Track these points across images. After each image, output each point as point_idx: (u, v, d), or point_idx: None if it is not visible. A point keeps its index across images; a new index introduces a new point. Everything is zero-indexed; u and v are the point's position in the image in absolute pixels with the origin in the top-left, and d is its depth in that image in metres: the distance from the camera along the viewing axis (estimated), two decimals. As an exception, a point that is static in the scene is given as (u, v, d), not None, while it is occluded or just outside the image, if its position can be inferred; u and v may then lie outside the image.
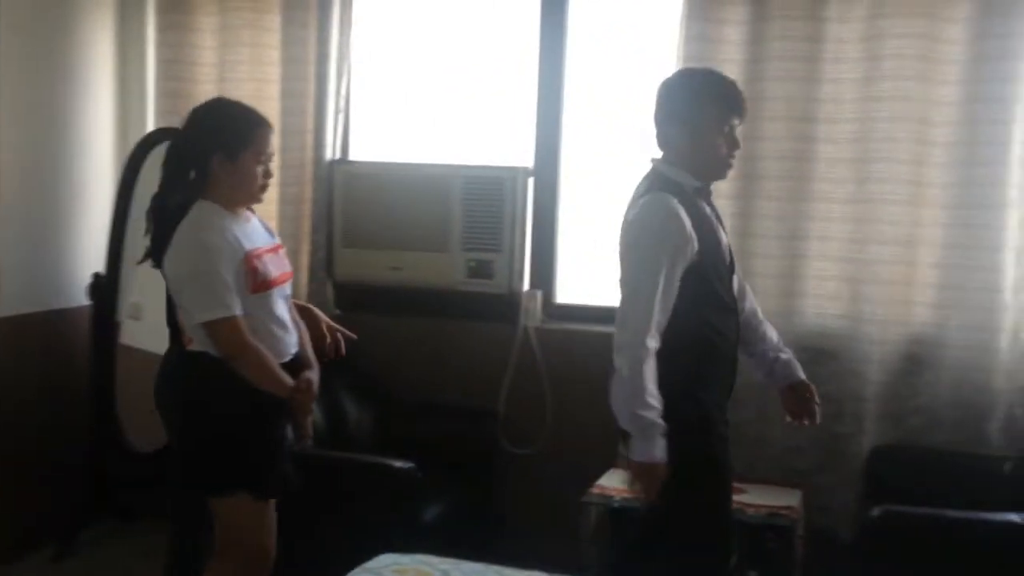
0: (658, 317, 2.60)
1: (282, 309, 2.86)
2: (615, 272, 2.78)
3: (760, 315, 2.99)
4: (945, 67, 3.45)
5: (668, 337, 2.63)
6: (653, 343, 2.60)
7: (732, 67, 3.59)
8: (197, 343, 2.76)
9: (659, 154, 2.78)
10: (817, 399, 2.91)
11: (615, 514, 3.40)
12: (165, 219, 2.78)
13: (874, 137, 3.51)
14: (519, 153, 3.98)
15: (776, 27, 3.57)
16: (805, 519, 3.38)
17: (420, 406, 3.92)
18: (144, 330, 3.93)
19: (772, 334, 2.97)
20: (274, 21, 4.05)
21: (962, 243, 3.43)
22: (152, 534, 3.69)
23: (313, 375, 2.88)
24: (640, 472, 2.64)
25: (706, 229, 2.70)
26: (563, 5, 3.93)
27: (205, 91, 4.14)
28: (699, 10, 3.62)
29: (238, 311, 2.70)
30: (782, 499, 3.37)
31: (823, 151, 3.57)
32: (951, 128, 3.45)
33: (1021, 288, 3.41)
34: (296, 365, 2.86)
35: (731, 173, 3.55)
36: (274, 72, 4.06)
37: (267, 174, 2.82)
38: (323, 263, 4.01)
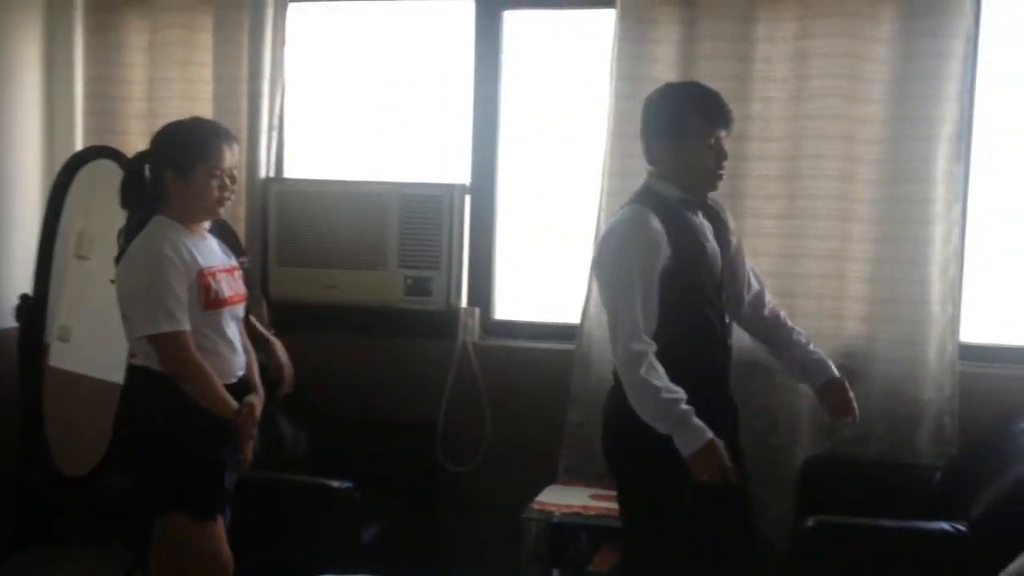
0: (643, 322, 2.69)
1: (233, 330, 2.85)
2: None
3: (784, 318, 3.04)
4: (871, 86, 3.53)
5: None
6: (643, 346, 2.68)
7: (664, 86, 3.66)
8: (141, 357, 2.74)
9: (651, 168, 2.88)
10: (851, 393, 2.95)
11: (556, 529, 3.41)
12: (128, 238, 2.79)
13: (803, 154, 3.58)
14: (456, 170, 3.98)
15: (706, 47, 3.63)
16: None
17: (358, 424, 3.90)
18: (73, 352, 3.87)
19: (800, 337, 3.01)
20: (206, 39, 4.02)
21: (890, 257, 3.51)
22: (84, 561, 3.61)
23: (256, 400, 2.87)
24: (698, 461, 2.65)
25: (686, 238, 2.76)
26: (498, 22, 3.95)
27: (135, 109, 4.11)
28: (631, 30, 3.66)
29: (186, 326, 2.68)
30: (719, 511, 3.41)
31: (754, 168, 3.63)
32: (877, 145, 3.53)
33: (947, 300, 3.49)
34: (241, 389, 2.84)
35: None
36: (206, 90, 4.02)
37: (223, 187, 2.81)
38: (258, 282, 3.98)
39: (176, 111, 3.91)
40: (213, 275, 2.79)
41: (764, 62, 3.61)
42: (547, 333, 3.93)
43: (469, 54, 3.96)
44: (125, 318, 2.77)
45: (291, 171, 4.15)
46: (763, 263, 3.60)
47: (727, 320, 2.92)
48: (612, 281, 2.78)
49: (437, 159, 4.04)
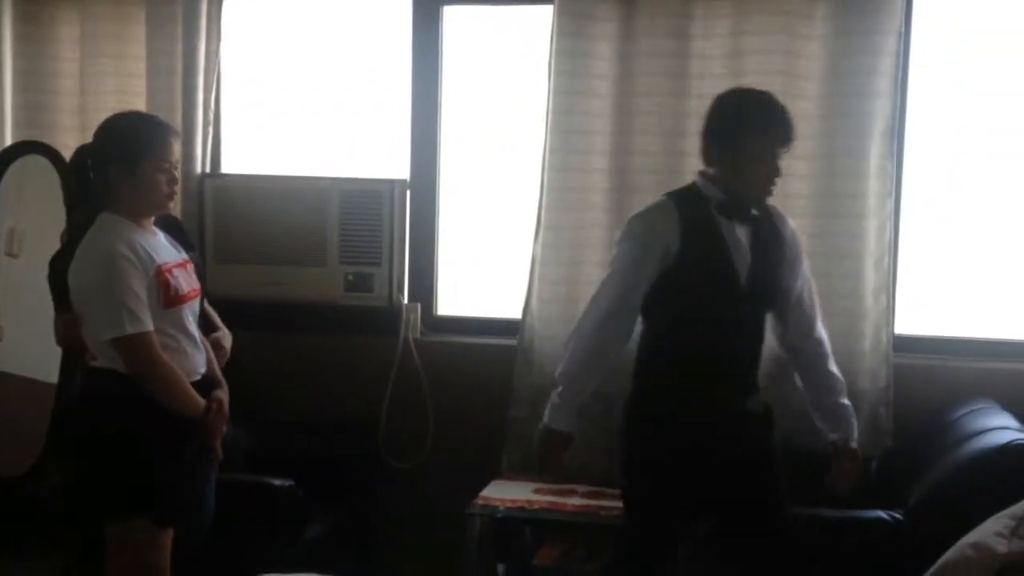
0: (609, 304, 2.83)
1: (193, 326, 2.79)
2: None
3: (826, 356, 2.97)
4: (805, 83, 3.57)
5: (644, 336, 2.87)
6: (578, 340, 2.87)
7: (603, 82, 3.68)
8: (103, 360, 2.68)
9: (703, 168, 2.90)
10: (859, 470, 2.92)
11: (500, 524, 3.42)
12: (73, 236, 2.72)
13: (740, 150, 3.62)
14: (396, 165, 3.96)
15: (644, 43, 3.65)
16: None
17: (299, 422, 3.87)
18: (6, 352, 3.78)
19: (836, 385, 2.95)
20: (138, 31, 3.95)
21: (825, 252, 3.55)
22: (15, 567, 3.53)
23: (224, 395, 2.82)
24: (540, 437, 2.91)
25: (705, 238, 2.78)
26: (436, 17, 3.93)
27: (66, 103, 4.03)
28: (569, 26, 3.66)
29: (150, 326, 2.63)
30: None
31: (693, 164, 3.63)
32: (812, 141, 3.56)
33: (881, 292, 3.56)
34: (205, 385, 2.80)
35: (604, 185, 3.71)
36: (139, 84, 3.95)
37: (172, 182, 2.75)
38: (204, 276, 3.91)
39: (108, 105, 3.85)
40: (170, 271, 2.72)
41: (700, 59, 3.64)
42: (489, 329, 3.93)
43: (408, 49, 3.94)
44: (83, 321, 2.69)
45: (228, 166, 4.09)
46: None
47: (745, 328, 2.86)
48: (614, 260, 2.90)
49: (377, 155, 4.02)
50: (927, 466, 3.11)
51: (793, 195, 3.58)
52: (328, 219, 3.85)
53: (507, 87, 3.95)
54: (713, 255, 2.79)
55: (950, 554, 2.26)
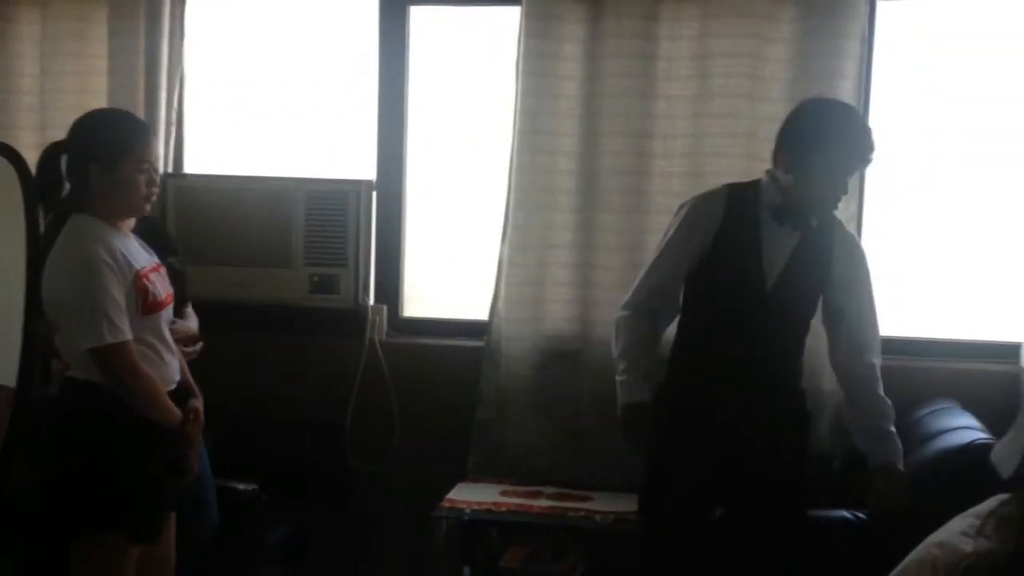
0: (653, 281, 2.93)
1: (167, 332, 2.72)
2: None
3: (874, 382, 2.93)
4: (770, 85, 3.59)
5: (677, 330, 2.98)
6: (625, 311, 2.97)
7: (570, 83, 3.68)
8: (78, 370, 2.59)
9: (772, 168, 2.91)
10: (896, 489, 2.85)
11: (467, 527, 3.41)
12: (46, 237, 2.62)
13: (706, 152, 3.63)
14: (362, 166, 3.93)
15: (611, 44, 3.65)
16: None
17: (263, 425, 3.82)
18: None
19: (885, 409, 2.92)
20: (100, 30, 3.89)
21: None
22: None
23: (199, 404, 2.76)
24: (622, 416, 2.95)
25: (738, 239, 2.80)
26: (403, 16, 3.91)
27: (26, 103, 3.97)
28: (536, 27, 3.66)
29: (130, 335, 2.55)
30: (627, 505, 3.42)
31: (659, 165, 3.68)
32: (777, 143, 3.60)
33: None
34: (180, 393, 2.74)
35: (571, 187, 3.71)
36: (101, 83, 3.90)
37: (151, 183, 2.67)
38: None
39: (70, 104, 3.82)
40: (147, 277, 2.64)
41: (667, 60, 3.65)
42: (456, 330, 3.92)
43: (374, 49, 3.92)
44: (58, 329, 2.59)
45: (191, 167, 4.05)
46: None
47: (769, 333, 2.84)
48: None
49: (343, 155, 3.99)
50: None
51: (758, 196, 3.61)
52: (293, 220, 3.83)
53: (474, 88, 3.94)
54: (741, 255, 2.81)
55: (916, 553, 2.28)
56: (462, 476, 3.67)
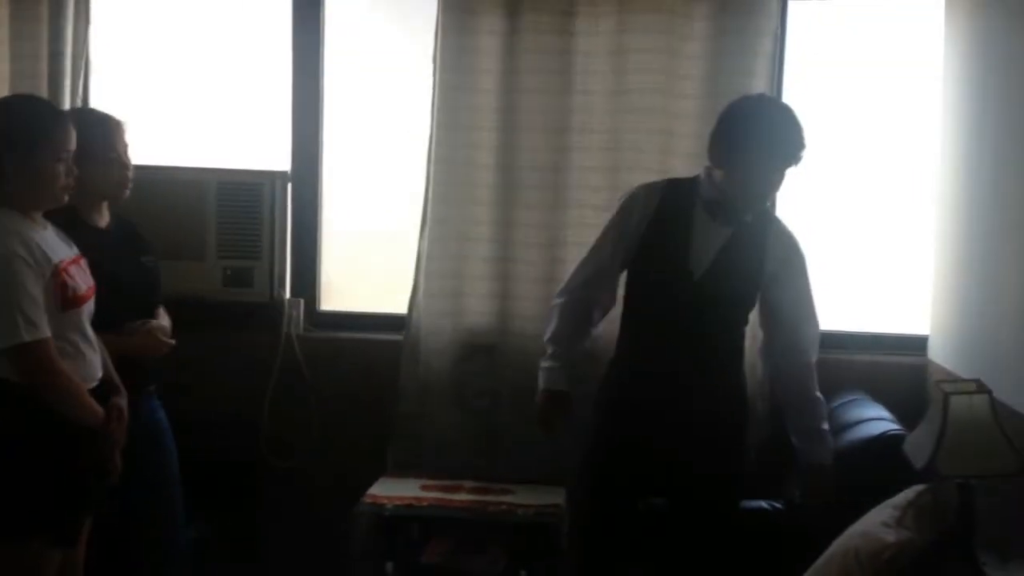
0: (589, 268, 2.97)
1: (89, 327, 2.62)
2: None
3: (807, 382, 2.94)
4: (685, 82, 3.64)
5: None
6: (558, 298, 3.02)
7: (489, 77, 3.68)
8: None
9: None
10: (827, 485, 2.88)
11: (388, 522, 3.39)
12: None
13: (623, 147, 3.67)
14: (276, 157, 3.87)
15: (528, 39, 3.66)
16: (570, 516, 3.48)
17: (175, 422, 3.70)
18: None
19: (818, 409, 2.94)
20: (1, 14, 3.74)
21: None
22: None
23: (123, 402, 2.67)
24: (540, 400, 3.00)
25: (667, 230, 2.84)
26: (318, 3, 3.85)
27: (-80, 89, 3.78)
28: (454, 20, 3.65)
29: (47, 332, 2.44)
30: (548, 498, 3.47)
31: (577, 160, 3.69)
32: (691, 140, 3.61)
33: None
34: (102, 390, 2.64)
35: (490, 181, 3.70)
36: (1, 68, 3.75)
37: (70, 172, 2.57)
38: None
39: (-32, 91, 3.65)
40: (66, 270, 2.54)
41: (584, 55, 3.67)
42: (374, 324, 3.89)
43: (288, 36, 3.85)
44: None
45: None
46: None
47: (697, 324, 2.83)
48: None
49: (257, 145, 3.91)
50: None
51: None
52: (205, 212, 3.75)
53: (392, 78, 3.90)
54: (670, 246, 2.84)
55: (838, 544, 2.34)
56: (382, 471, 3.64)
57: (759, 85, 3.58)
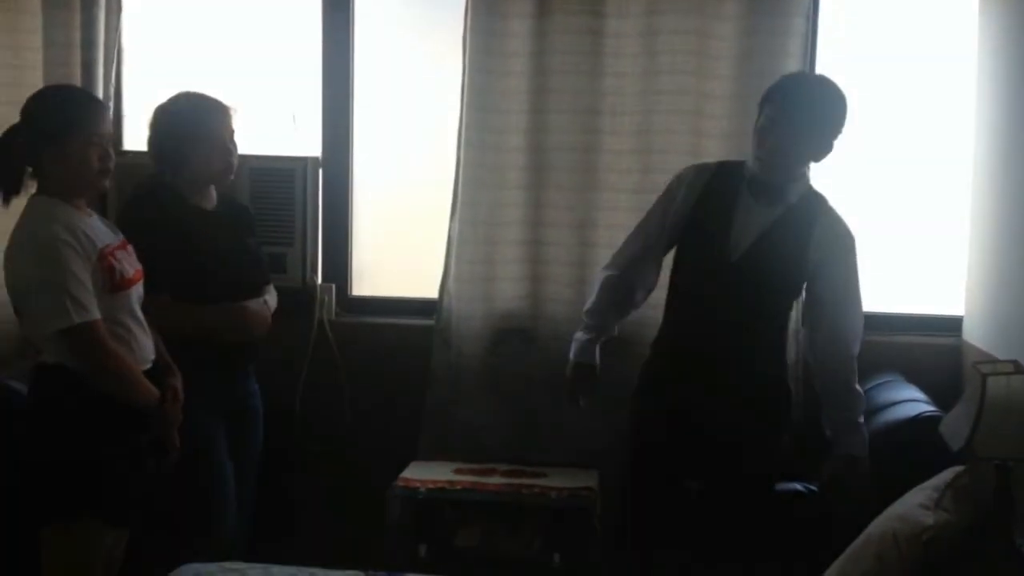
0: (636, 245, 2.98)
1: (139, 310, 2.66)
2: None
3: (848, 375, 2.88)
4: (717, 62, 3.61)
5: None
6: (602, 272, 3.04)
7: (518, 60, 3.66)
8: (48, 355, 2.53)
9: None
10: (860, 480, 2.83)
11: (422, 505, 3.40)
12: None
13: (655, 129, 3.65)
14: (308, 143, 3.88)
15: (558, 21, 3.64)
16: (603, 498, 3.49)
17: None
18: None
19: (856, 401, 2.88)
20: (34, 3, 3.77)
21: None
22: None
23: (178, 382, 2.70)
24: (569, 371, 3.03)
25: (711, 210, 2.84)
26: (348, -5, 3.87)
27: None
28: (485, 4, 3.64)
29: (97, 315, 2.48)
30: (581, 481, 3.47)
31: (608, 142, 3.68)
32: (725, 120, 3.61)
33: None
34: (156, 372, 2.68)
35: (520, 164, 3.70)
36: (34, 58, 3.78)
37: (105, 157, 2.59)
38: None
39: (1, 81, 3.68)
40: (113, 254, 2.57)
41: (615, 37, 3.65)
42: (406, 309, 3.90)
43: (318, 22, 3.86)
44: (24, 314, 2.54)
45: (131, 143, 3.94)
46: (617, 237, 3.63)
47: (733, 304, 2.80)
48: None
49: (289, 132, 3.92)
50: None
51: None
52: (238, 198, 3.73)
53: (422, 64, 3.90)
54: (711, 227, 2.82)
55: (875, 526, 2.33)
56: (415, 455, 3.66)
57: (792, 66, 3.53)
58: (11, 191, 2.59)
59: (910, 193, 3.74)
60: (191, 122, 2.94)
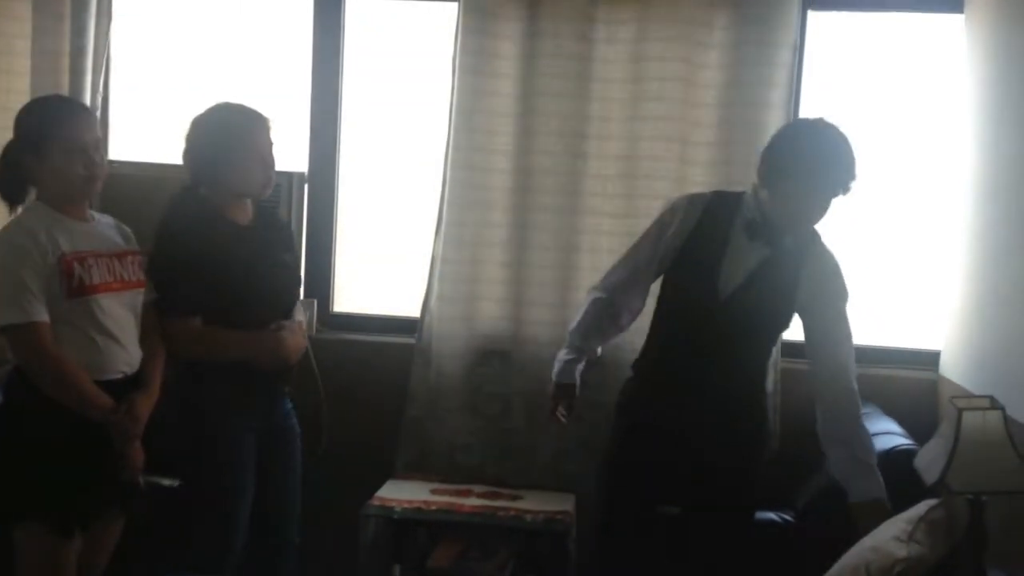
0: (626, 270, 2.95)
1: (115, 320, 2.63)
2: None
3: (852, 408, 2.81)
4: (703, 91, 3.64)
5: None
6: (591, 293, 3.02)
7: (507, 81, 3.69)
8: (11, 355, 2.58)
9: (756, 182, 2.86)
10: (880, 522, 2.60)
11: (397, 525, 3.39)
12: None
13: (640, 154, 3.67)
14: (294, 158, 3.87)
15: (547, 44, 3.67)
16: (579, 522, 3.48)
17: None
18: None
19: (865, 441, 2.80)
20: (23, 9, 3.79)
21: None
22: None
23: (140, 397, 2.66)
24: (552, 390, 3.04)
25: (702, 246, 2.79)
26: (338, 7, 3.87)
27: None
28: (474, 23, 3.66)
29: (39, 317, 2.50)
30: (558, 504, 3.47)
31: (594, 166, 3.70)
32: (709, 148, 3.64)
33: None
34: (126, 386, 2.66)
35: (507, 185, 3.71)
36: (23, 64, 3.79)
37: (89, 164, 2.61)
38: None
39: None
40: (82, 259, 2.59)
41: (603, 63, 3.67)
42: (387, 326, 3.91)
43: (308, 38, 3.87)
44: None
45: (117, 154, 3.93)
46: (601, 261, 3.67)
47: (720, 343, 2.80)
48: None
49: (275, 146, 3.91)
50: (815, 469, 3.21)
51: (689, 201, 3.65)
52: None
53: (410, 82, 3.91)
54: (702, 262, 2.80)
55: (848, 557, 2.34)
56: (391, 474, 3.65)
57: (777, 96, 3.58)
58: (15, 200, 2.67)
59: (890, 227, 3.77)
60: (230, 134, 2.85)
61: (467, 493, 3.53)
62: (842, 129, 2.76)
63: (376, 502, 3.41)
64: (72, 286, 2.57)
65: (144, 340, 2.75)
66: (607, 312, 3.02)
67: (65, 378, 2.56)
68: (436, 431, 3.74)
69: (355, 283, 3.99)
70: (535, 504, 3.45)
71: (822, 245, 2.90)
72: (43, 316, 2.52)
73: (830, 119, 2.78)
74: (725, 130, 3.63)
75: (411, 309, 3.79)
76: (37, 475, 2.55)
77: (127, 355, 2.68)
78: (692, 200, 2.93)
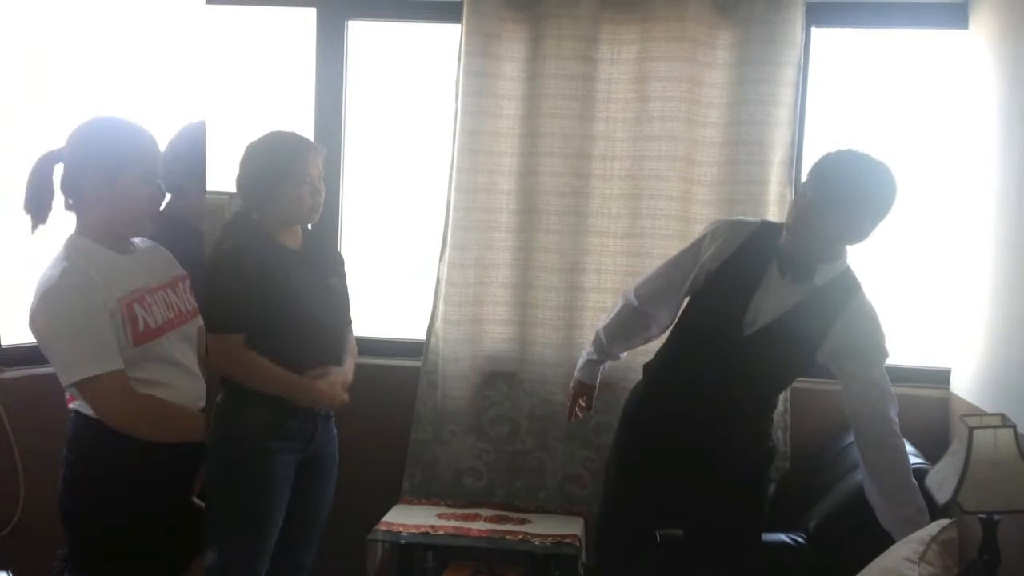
0: (661, 282, 2.93)
1: (182, 354, 2.51)
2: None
3: (898, 456, 2.72)
4: (708, 110, 3.63)
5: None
6: (621, 298, 3.04)
7: (511, 103, 3.69)
8: (78, 402, 2.41)
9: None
10: None
11: (403, 550, 3.36)
12: None
13: (645, 174, 3.66)
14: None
15: (551, 66, 3.66)
16: (587, 546, 3.45)
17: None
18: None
19: (913, 497, 2.67)
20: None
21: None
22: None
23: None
24: (572, 386, 3.16)
25: (736, 276, 2.75)
26: (341, 31, 3.88)
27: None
28: (477, 46, 3.66)
29: (115, 365, 2.33)
30: (566, 528, 3.44)
31: (598, 187, 3.69)
32: (715, 168, 3.63)
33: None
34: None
35: (511, 206, 3.70)
36: None
37: (154, 199, 2.50)
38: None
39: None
40: (141, 300, 2.43)
41: (607, 83, 3.67)
42: (393, 350, 3.88)
43: (312, 62, 3.88)
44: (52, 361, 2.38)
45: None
46: (606, 281, 3.67)
47: (739, 376, 2.75)
48: None
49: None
50: (825, 490, 3.16)
51: (695, 220, 3.64)
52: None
53: (414, 105, 3.92)
54: (732, 295, 2.75)
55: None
56: (397, 497, 3.62)
57: (782, 115, 3.57)
58: (40, 219, 2.42)
59: (900, 245, 3.74)
60: (283, 160, 2.86)
61: (475, 517, 3.50)
62: (875, 161, 2.68)
63: (383, 527, 3.38)
64: (138, 333, 2.39)
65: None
66: (637, 322, 3.02)
67: (161, 419, 2.41)
68: (443, 454, 3.72)
69: (360, 306, 3.96)
70: (543, 528, 3.42)
71: (864, 298, 2.81)
72: (117, 364, 2.33)
73: (858, 151, 2.71)
74: (730, 149, 3.61)
75: (417, 332, 3.76)
76: (108, 526, 2.42)
77: (202, 387, 2.55)
78: (735, 226, 2.85)
